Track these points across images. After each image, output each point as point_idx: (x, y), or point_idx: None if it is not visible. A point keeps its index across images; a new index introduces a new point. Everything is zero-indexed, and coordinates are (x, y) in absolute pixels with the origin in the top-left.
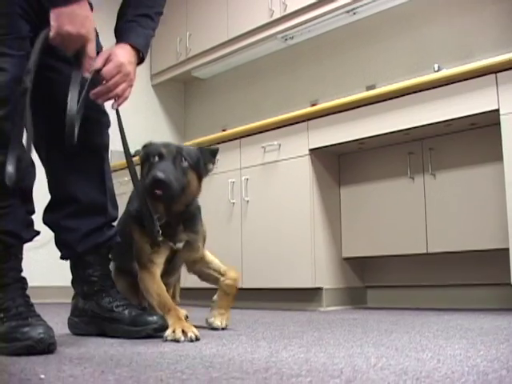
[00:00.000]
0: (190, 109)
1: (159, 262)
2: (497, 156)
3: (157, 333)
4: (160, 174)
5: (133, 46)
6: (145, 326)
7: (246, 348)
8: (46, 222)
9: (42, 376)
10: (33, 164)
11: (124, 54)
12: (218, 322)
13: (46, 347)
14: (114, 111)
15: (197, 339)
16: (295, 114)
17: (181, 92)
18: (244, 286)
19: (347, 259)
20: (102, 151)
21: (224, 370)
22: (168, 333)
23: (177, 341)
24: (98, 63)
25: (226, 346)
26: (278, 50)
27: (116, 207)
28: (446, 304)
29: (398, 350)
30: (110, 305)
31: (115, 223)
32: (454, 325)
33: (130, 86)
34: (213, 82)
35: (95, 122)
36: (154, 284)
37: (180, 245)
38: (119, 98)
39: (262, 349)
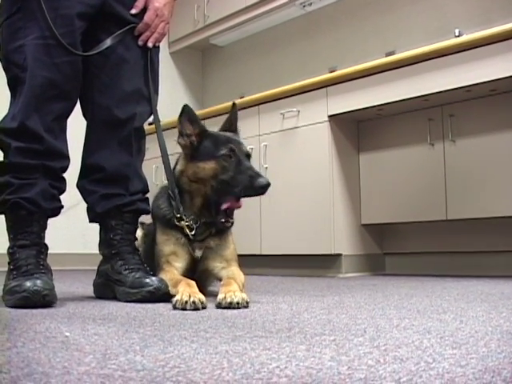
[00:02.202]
0: (207, 76)
1: (177, 266)
2: None
3: (153, 296)
4: (266, 181)
5: None
6: (140, 289)
7: (268, 310)
8: (77, 186)
9: (67, 334)
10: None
11: None
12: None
13: (40, 298)
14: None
15: (202, 306)
16: (314, 81)
17: (198, 59)
18: (263, 253)
19: (366, 226)
20: (128, 126)
21: (247, 329)
22: (176, 298)
23: (183, 304)
24: (139, 7)
25: (247, 309)
26: (296, 16)
27: (141, 181)
28: (465, 271)
29: (420, 312)
30: (121, 268)
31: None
32: (474, 290)
33: (167, 23)
34: (231, 49)
35: (122, 96)
36: (168, 275)
37: (199, 253)
38: (159, 36)
39: (283, 311)
